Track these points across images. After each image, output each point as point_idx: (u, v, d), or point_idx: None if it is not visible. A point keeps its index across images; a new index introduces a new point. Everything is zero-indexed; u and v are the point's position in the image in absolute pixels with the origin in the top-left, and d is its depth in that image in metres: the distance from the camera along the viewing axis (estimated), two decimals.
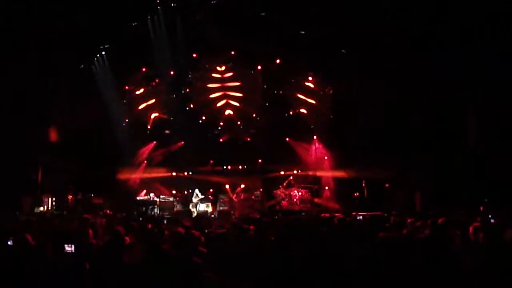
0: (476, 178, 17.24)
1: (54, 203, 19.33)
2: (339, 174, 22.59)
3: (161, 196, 22.80)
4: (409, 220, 11.61)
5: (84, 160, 20.39)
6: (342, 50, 20.25)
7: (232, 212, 21.32)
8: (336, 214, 15.75)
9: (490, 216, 10.14)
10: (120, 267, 5.85)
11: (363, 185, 21.54)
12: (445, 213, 11.04)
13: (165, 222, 13.33)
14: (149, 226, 9.30)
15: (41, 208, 18.62)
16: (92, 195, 21.00)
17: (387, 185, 21.24)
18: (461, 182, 17.70)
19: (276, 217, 16.37)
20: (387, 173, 20.05)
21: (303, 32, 20.31)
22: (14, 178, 17.33)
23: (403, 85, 18.54)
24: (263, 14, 19.99)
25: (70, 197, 20.09)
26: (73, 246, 6.25)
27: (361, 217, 12.88)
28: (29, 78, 17.77)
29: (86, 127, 20.55)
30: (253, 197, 22.90)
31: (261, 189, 23.44)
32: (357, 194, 21.79)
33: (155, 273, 5.08)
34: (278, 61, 22.33)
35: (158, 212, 21.50)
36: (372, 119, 19.96)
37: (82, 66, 20.80)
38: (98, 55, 20.74)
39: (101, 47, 20.68)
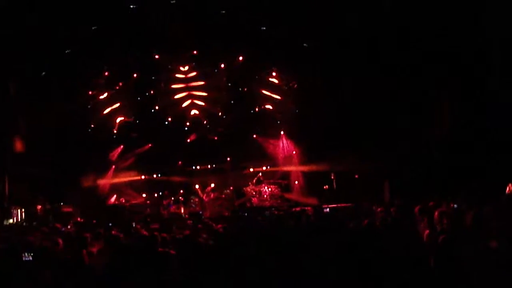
0: (446, 168, 17.38)
1: (23, 214, 19.03)
2: (308, 168, 22.66)
3: (132, 201, 22.65)
4: (378, 209, 11.76)
5: (51, 168, 20.13)
6: (304, 44, 20.25)
7: (202, 212, 21.24)
8: (307, 208, 15.88)
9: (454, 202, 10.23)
10: (85, 273, 5.80)
11: (332, 177, 21.66)
12: (414, 201, 11.17)
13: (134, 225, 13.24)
14: (113, 232, 9.23)
15: (10, 221, 18.31)
16: (62, 203, 20.73)
17: (356, 176, 21.36)
18: (430, 171, 17.85)
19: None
20: (356, 165, 20.18)
21: (264, 28, 20.26)
22: None
23: (369, 74, 18.57)
24: (223, 11, 19.88)
25: (39, 207, 19.82)
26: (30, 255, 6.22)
27: (327, 209, 12.97)
28: None
29: (51, 135, 20.32)
30: (223, 196, 22.90)
31: (231, 188, 23.43)
32: (327, 186, 21.91)
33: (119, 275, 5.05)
34: (241, 58, 22.24)
35: (128, 216, 21.31)
36: (338, 110, 20.05)
37: (44, 73, 20.43)
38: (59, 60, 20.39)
39: (64, 52, 20.34)
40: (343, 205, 18.09)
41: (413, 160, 18.47)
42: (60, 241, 8.05)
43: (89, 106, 23.06)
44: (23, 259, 6.29)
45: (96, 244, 8.01)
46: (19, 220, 18.69)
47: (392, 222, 7.95)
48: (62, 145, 20.88)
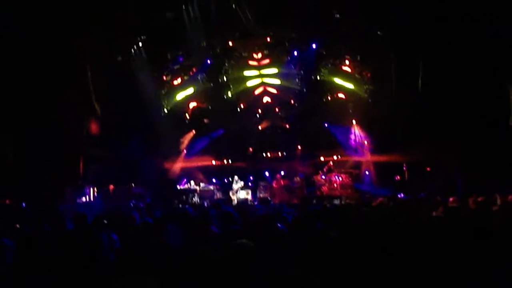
0: None
1: (95, 193, 19.61)
2: (380, 158, 22.34)
3: (201, 184, 22.97)
4: (451, 199, 11.41)
5: (124, 150, 20.66)
6: (378, 32, 19.90)
7: (270, 199, 21.29)
8: (379, 199, 15.61)
9: None
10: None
11: (404, 168, 21.23)
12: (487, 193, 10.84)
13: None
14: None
15: (84, 199, 18.91)
16: (133, 184, 21.25)
17: (428, 168, 20.87)
18: (504, 162, 17.21)
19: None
20: (429, 155, 19.70)
21: (337, 15, 20.03)
22: (56, 170, 17.61)
23: (442, 64, 18.08)
24: None
25: (111, 187, 20.39)
26: None
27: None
28: (69, 70, 18.03)
29: (125, 118, 20.84)
30: (293, 183, 22.87)
31: (301, 175, 23.37)
32: (399, 177, 21.51)
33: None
34: (314, 46, 22.12)
35: (198, 201, 21.62)
36: (412, 100, 19.60)
37: (120, 58, 20.96)
38: (135, 46, 20.87)
39: (138, 39, 20.80)
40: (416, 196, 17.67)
41: (488, 152, 17.82)
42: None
43: (163, 91, 23.50)
44: None
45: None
46: (92, 198, 19.25)
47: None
48: (136, 128, 21.34)
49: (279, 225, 6.97)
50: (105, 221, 8.03)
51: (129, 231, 7.17)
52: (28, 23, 15.93)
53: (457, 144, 18.49)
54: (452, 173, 19.39)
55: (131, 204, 15.63)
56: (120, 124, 20.75)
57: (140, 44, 20.92)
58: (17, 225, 8.58)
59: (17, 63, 16.21)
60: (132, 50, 20.92)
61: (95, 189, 19.55)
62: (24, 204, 14.50)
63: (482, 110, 17.75)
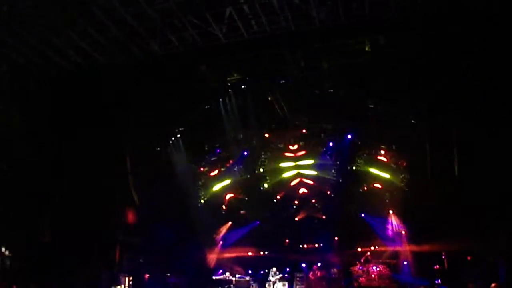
0: None
1: (130, 282, 19.61)
2: (418, 247, 21.94)
3: (237, 276, 22.78)
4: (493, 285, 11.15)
5: (161, 240, 20.82)
6: (412, 121, 20.05)
7: None
8: None
9: None
10: None
11: (443, 257, 20.73)
12: None
13: None
14: None
15: (118, 287, 18.91)
16: (169, 274, 21.22)
17: (468, 257, 20.33)
18: None
19: None
20: (469, 244, 19.27)
21: (372, 106, 20.33)
22: (93, 257, 17.81)
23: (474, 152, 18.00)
24: (331, 90, 20.16)
25: (146, 276, 20.41)
26: None
27: None
28: (108, 159, 18.58)
29: (163, 208, 21.12)
30: (330, 274, 22.50)
31: (338, 267, 23.02)
32: (438, 266, 20.98)
33: None
34: (349, 136, 22.39)
35: None
36: (449, 189, 19.42)
37: (158, 148, 21.53)
38: (173, 138, 21.45)
39: (176, 130, 21.41)
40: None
41: None
42: None
43: (200, 182, 23.84)
44: None
45: None
46: (126, 287, 19.23)
47: None
48: (173, 218, 21.56)
49: None
50: None
51: None
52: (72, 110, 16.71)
53: (498, 232, 18.11)
54: (494, 262, 18.89)
55: None
56: (157, 214, 21.02)
57: (178, 135, 21.48)
58: None
59: (60, 147, 16.87)
60: (171, 141, 21.48)
61: (131, 277, 19.55)
62: None
63: None
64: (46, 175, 16.97)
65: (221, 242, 24.53)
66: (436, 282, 18.15)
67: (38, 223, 17.09)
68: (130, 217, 20.20)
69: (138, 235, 20.28)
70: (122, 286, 19.23)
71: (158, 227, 20.90)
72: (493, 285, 11.05)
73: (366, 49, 16.91)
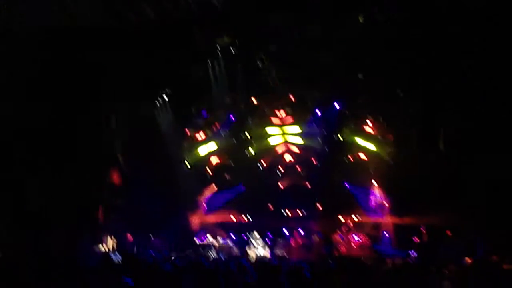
0: None
1: (114, 242, 19.70)
2: (399, 220, 22.14)
3: (219, 239, 22.89)
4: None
5: (144, 202, 20.85)
6: (400, 94, 20.03)
7: (288, 257, 21.09)
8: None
9: None
10: None
11: (423, 230, 20.95)
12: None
13: None
14: None
15: (101, 247, 19.00)
16: (151, 235, 21.34)
17: (449, 233, 20.55)
18: None
19: None
20: (449, 219, 19.49)
21: (361, 77, 20.27)
22: (76, 216, 17.82)
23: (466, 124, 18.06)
24: (322, 61, 20.03)
25: (129, 236, 20.51)
26: None
27: None
28: (93, 120, 18.47)
29: (148, 170, 21.11)
30: (311, 242, 22.67)
31: (319, 234, 23.19)
32: (418, 240, 21.21)
33: None
34: (337, 106, 22.35)
35: (215, 255, 21.51)
36: (435, 163, 19.54)
37: (144, 110, 21.40)
38: (159, 99, 21.32)
39: (163, 91, 21.27)
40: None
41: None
42: None
43: (186, 146, 23.78)
44: None
45: None
46: (110, 248, 19.33)
47: None
48: (157, 180, 21.56)
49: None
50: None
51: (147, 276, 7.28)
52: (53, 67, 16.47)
53: (479, 208, 18.30)
54: (473, 238, 19.12)
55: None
56: (141, 176, 21.00)
57: (165, 97, 21.33)
58: None
59: (44, 108, 16.69)
60: (157, 102, 21.33)
61: (113, 237, 19.64)
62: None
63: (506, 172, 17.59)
64: (31, 139, 16.81)
65: (205, 206, 24.53)
66: (411, 254, 18.29)
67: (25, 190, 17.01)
68: (115, 178, 20.19)
69: (122, 197, 20.30)
70: (105, 245, 19.34)
71: (142, 190, 20.91)
72: (469, 261, 11.15)
73: (360, 20, 16.88)
